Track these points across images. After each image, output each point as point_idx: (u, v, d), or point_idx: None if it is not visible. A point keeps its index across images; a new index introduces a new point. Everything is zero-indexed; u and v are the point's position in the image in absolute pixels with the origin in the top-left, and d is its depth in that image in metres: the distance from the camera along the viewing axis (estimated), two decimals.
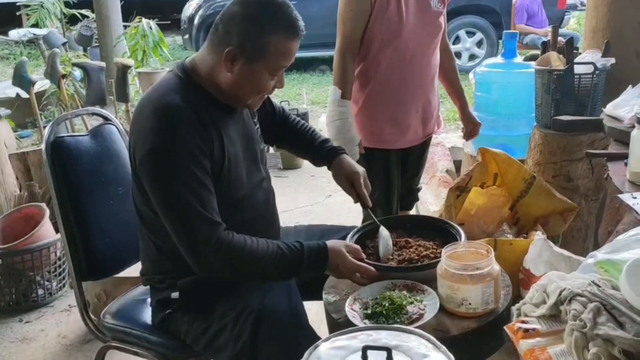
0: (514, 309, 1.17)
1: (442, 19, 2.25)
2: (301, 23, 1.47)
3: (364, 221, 2.19)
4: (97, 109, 2.07)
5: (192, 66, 1.52)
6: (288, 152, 1.96)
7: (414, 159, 2.42)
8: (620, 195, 1.50)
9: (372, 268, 1.51)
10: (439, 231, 1.72)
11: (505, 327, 1.10)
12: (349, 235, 1.67)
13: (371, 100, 2.25)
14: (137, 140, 1.45)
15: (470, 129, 2.49)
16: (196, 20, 8.52)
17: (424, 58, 2.23)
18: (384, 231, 1.65)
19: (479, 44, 8.11)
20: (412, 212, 2.77)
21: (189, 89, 1.48)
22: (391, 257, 1.62)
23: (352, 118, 2.23)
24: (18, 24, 8.58)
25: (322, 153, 1.82)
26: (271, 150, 4.80)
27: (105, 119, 1.95)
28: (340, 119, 2.20)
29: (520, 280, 1.85)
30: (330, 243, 1.52)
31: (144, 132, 1.43)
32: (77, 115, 1.93)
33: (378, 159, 2.29)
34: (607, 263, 1.11)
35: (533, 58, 2.88)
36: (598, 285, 1.03)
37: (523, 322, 1.06)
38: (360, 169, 1.77)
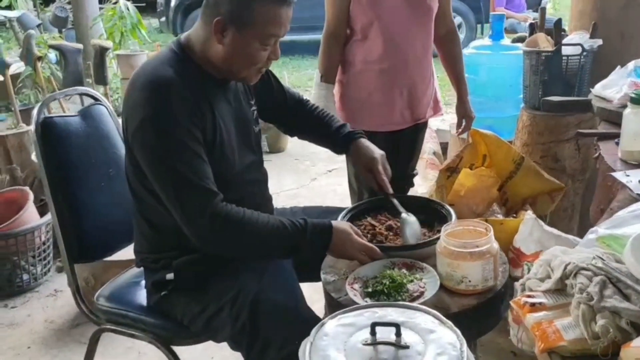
0: (517, 284, 1.19)
1: (433, 0, 2.21)
2: None
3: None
4: (86, 88, 2.03)
5: (187, 41, 1.50)
6: (304, 139, 1.92)
7: (405, 143, 2.39)
8: (613, 174, 1.53)
9: (376, 249, 1.51)
10: (428, 211, 1.74)
11: (511, 302, 1.11)
12: (340, 217, 1.66)
13: (354, 82, 2.24)
14: (129, 112, 1.43)
15: (462, 121, 2.46)
16: (173, 3, 8.41)
17: (409, 40, 2.19)
18: (410, 217, 1.63)
19: (458, 27, 8.09)
20: None
21: (183, 64, 1.46)
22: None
23: (333, 101, 2.22)
24: None
25: (339, 140, 1.78)
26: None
27: (95, 99, 1.92)
28: (319, 102, 2.20)
29: (510, 259, 1.87)
30: (335, 222, 1.52)
31: (136, 104, 1.41)
32: (67, 95, 1.89)
33: None
34: (609, 238, 1.13)
35: (521, 40, 2.89)
36: (602, 259, 1.05)
37: (529, 296, 1.08)
38: (378, 154, 1.74)
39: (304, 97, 1.89)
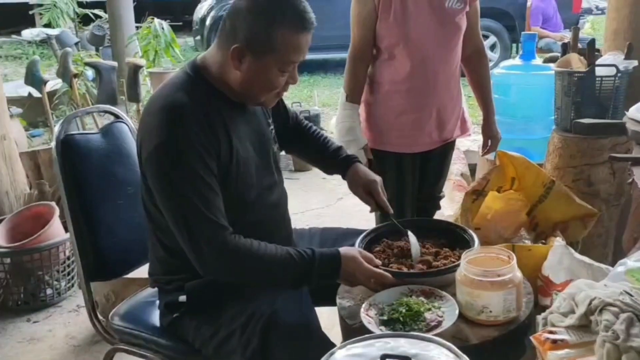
0: (539, 318, 1.12)
1: (462, 19, 2.15)
2: (311, 15, 1.40)
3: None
4: (108, 106, 2.04)
5: (202, 64, 1.48)
6: (297, 157, 1.93)
7: (434, 164, 2.34)
8: None
9: (388, 275, 1.46)
10: (451, 235, 1.69)
11: (531, 337, 1.04)
12: (357, 242, 1.62)
13: (381, 103, 2.20)
14: (144, 137, 1.42)
15: (488, 142, 2.39)
16: (208, 22, 8.54)
17: (438, 60, 2.15)
18: (411, 237, 1.62)
19: (492, 47, 8.05)
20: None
21: (198, 87, 1.44)
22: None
23: (358, 121, 2.19)
24: (31, 23, 8.63)
25: (337, 161, 1.79)
26: (282, 151, 4.76)
27: (117, 117, 1.92)
28: (345, 122, 2.17)
29: (538, 287, 1.80)
30: (344, 250, 1.47)
31: (150, 130, 1.40)
32: (88, 113, 1.93)
33: (390, 163, 2.24)
34: (638, 271, 1.06)
35: (553, 60, 2.82)
36: (630, 295, 0.98)
37: (551, 332, 1.01)
38: (377, 178, 1.73)
39: (299, 115, 1.88)
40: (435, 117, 2.22)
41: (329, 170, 1.85)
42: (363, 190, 1.72)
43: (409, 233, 1.63)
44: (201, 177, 1.37)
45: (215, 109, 1.44)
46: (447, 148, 2.35)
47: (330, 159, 1.80)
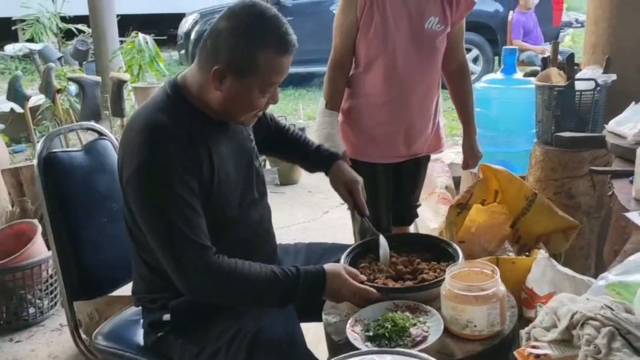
0: (522, 332, 1.13)
1: (442, 41, 2.18)
2: (293, 37, 1.40)
3: (359, 232, 2.21)
4: (91, 123, 2.03)
5: (183, 83, 1.48)
6: (279, 159, 1.96)
7: (407, 176, 2.38)
8: (627, 214, 1.47)
9: (373, 290, 1.46)
10: (436, 250, 1.70)
11: (515, 352, 1.05)
12: (342, 257, 1.63)
13: (355, 112, 2.25)
14: (125, 157, 1.41)
15: (468, 160, 2.42)
16: (192, 36, 8.53)
17: (412, 78, 2.18)
18: (382, 240, 1.65)
19: (475, 60, 8.13)
20: (411, 229, 2.74)
21: (178, 107, 1.44)
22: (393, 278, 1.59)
23: (337, 128, 2.23)
24: (14, 38, 8.57)
25: (320, 158, 1.81)
26: (268, 165, 4.76)
27: (100, 134, 1.91)
28: (324, 129, 2.20)
29: (523, 299, 1.81)
30: (328, 267, 1.47)
31: (131, 150, 1.39)
32: (71, 130, 1.90)
33: (364, 170, 2.23)
34: (619, 285, 1.07)
35: (533, 74, 2.86)
36: (611, 309, 0.99)
37: (534, 347, 1.02)
38: (359, 178, 1.76)
39: (275, 117, 1.89)
40: (403, 133, 2.24)
41: (312, 167, 1.86)
42: (344, 188, 1.74)
43: (380, 237, 1.66)
44: (183, 197, 1.36)
45: (196, 129, 1.43)
46: (421, 161, 2.39)
47: (314, 156, 1.82)
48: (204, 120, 1.47)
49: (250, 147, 1.63)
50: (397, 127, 2.23)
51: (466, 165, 2.43)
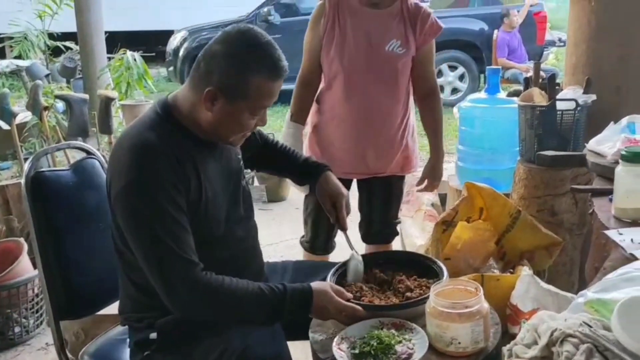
0: (504, 349, 1.15)
1: (405, 63, 2.23)
2: (284, 63, 1.44)
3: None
4: (79, 142, 2.05)
5: (173, 102, 1.50)
6: (269, 173, 1.98)
7: (376, 193, 2.43)
8: (606, 232, 1.50)
9: (359, 308, 1.48)
10: (420, 267, 1.71)
11: None
12: (329, 275, 1.64)
13: (320, 128, 2.33)
14: (113, 176, 1.43)
15: (426, 178, 2.44)
16: (181, 53, 8.56)
17: (372, 99, 2.21)
18: (356, 255, 1.67)
19: (461, 77, 8.24)
20: (398, 246, 2.76)
21: (167, 126, 1.46)
22: (379, 296, 1.60)
23: (300, 140, 2.32)
24: (1, 55, 8.55)
25: (308, 169, 1.83)
26: (256, 182, 4.77)
27: (88, 152, 1.93)
28: (287, 140, 2.27)
29: (507, 316, 1.83)
30: (315, 284, 1.49)
31: (120, 169, 1.41)
32: (59, 149, 1.91)
33: None
34: (597, 303, 1.10)
35: (516, 94, 2.91)
36: (589, 326, 1.02)
37: None
38: (344, 192, 1.78)
39: (262, 131, 1.90)
40: (364, 152, 2.30)
41: (301, 179, 1.89)
42: (329, 199, 1.76)
43: (354, 253, 1.68)
44: (171, 214, 1.38)
45: (185, 148, 1.46)
46: (391, 181, 2.42)
47: (302, 167, 1.84)
48: (193, 140, 1.49)
49: (237, 167, 1.65)
50: (358, 145, 2.29)
51: (421, 181, 2.45)
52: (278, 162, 1.90)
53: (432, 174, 2.43)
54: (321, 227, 2.40)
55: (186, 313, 1.43)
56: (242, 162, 1.69)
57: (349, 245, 1.73)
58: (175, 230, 1.38)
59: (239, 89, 1.40)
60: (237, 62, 1.39)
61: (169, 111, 1.49)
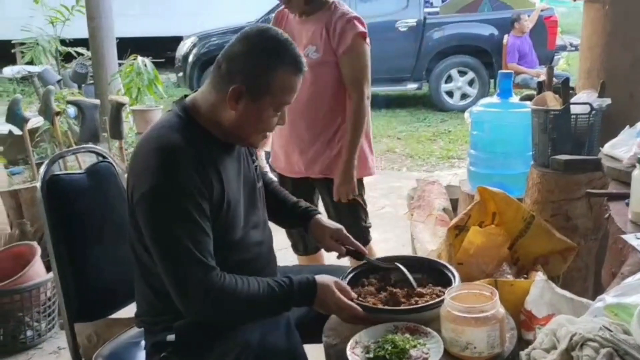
0: (522, 354, 1.14)
1: (325, 71, 2.31)
2: (304, 59, 1.48)
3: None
4: (93, 146, 2.05)
5: (192, 105, 1.51)
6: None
7: (321, 194, 2.56)
8: (623, 236, 1.49)
9: (358, 308, 1.48)
10: (431, 272, 1.71)
11: None
12: (345, 274, 1.64)
13: None
14: (136, 179, 1.43)
15: (338, 186, 2.41)
16: (190, 58, 8.60)
17: (296, 103, 2.19)
18: (401, 268, 1.66)
19: (471, 82, 8.22)
20: (409, 251, 2.74)
21: (190, 128, 1.47)
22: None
23: None
24: (12, 61, 8.62)
25: (297, 213, 1.81)
26: None
27: (102, 156, 1.93)
28: None
29: (521, 322, 1.81)
30: (320, 278, 1.50)
31: (143, 172, 1.41)
32: (75, 153, 1.91)
33: (280, 181, 2.51)
34: (617, 307, 1.09)
35: (529, 98, 2.90)
36: (610, 330, 1.00)
37: None
38: (339, 225, 1.78)
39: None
40: (297, 152, 2.45)
41: (291, 223, 1.90)
42: (331, 239, 1.75)
43: (400, 266, 1.66)
44: (194, 219, 1.38)
45: (207, 151, 1.47)
46: (331, 184, 2.44)
47: (291, 213, 1.83)
48: (214, 142, 1.50)
49: (253, 168, 1.66)
50: (291, 145, 2.46)
51: (336, 190, 2.43)
52: (274, 204, 1.84)
53: (339, 178, 2.40)
54: (294, 232, 2.58)
55: (197, 315, 1.44)
56: (256, 164, 1.69)
57: (381, 265, 1.70)
58: (196, 234, 1.39)
59: (263, 85, 1.42)
60: (260, 59, 1.42)
61: (189, 114, 1.50)
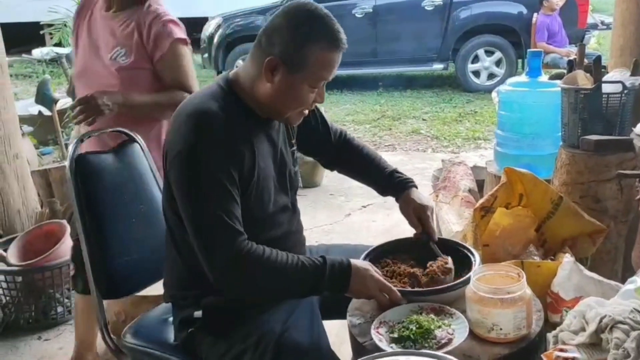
0: (550, 335, 1.13)
1: (133, 73, 2.08)
2: (343, 35, 1.45)
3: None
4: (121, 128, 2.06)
5: (235, 78, 1.52)
6: (350, 178, 1.94)
7: None
8: None
9: (396, 291, 1.47)
10: (453, 253, 1.68)
11: (542, 355, 1.05)
12: (362, 256, 1.63)
13: None
14: (171, 142, 1.45)
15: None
16: (215, 40, 8.60)
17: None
18: (450, 261, 1.62)
19: (498, 62, 8.08)
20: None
21: (227, 99, 1.48)
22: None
23: None
24: (41, 42, 8.73)
25: (392, 184, 1.80)
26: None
27: (129, 136, 1.95)
28: None
29: (548, 304, 1.80)
30: (355, 260, 1.49)
31: (178, 135, 1.43)
32: (102, 132, 1.93)
33: None
34: None
35: (559, 77, 2.83)
36: None
37: (562, 350, 1.02)
38: (429, 203, 1.75)
39: (349, 134, 1.90)
40: None
41: (384, 192, 1.86)
42: (414, 214, 1.74)
43: (449, 258, 1.63)
44: (223, 183, 1.39)
45: (243, 123, 1.47)
46: None
47: (386, 182, 1.82)
48: (252, 116, 1.51)
49: (289, 151, 1.65)
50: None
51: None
52: (361, 168, 1.87)
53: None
54: None
55: (224, 281, 1.42)
56: (294, 149, 1.68)
57: (437, 254, 1.68)
58: (225, 199, 1.39)
59: (299, 59, 1.41)
60: (298, 33, 1.41)
61: (231, 86, 1.51)
